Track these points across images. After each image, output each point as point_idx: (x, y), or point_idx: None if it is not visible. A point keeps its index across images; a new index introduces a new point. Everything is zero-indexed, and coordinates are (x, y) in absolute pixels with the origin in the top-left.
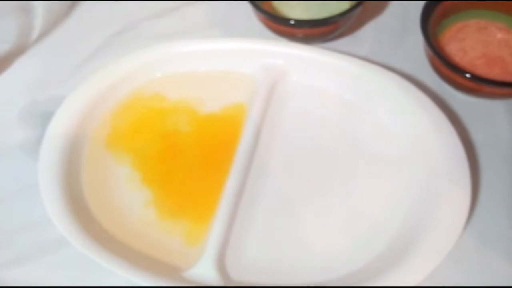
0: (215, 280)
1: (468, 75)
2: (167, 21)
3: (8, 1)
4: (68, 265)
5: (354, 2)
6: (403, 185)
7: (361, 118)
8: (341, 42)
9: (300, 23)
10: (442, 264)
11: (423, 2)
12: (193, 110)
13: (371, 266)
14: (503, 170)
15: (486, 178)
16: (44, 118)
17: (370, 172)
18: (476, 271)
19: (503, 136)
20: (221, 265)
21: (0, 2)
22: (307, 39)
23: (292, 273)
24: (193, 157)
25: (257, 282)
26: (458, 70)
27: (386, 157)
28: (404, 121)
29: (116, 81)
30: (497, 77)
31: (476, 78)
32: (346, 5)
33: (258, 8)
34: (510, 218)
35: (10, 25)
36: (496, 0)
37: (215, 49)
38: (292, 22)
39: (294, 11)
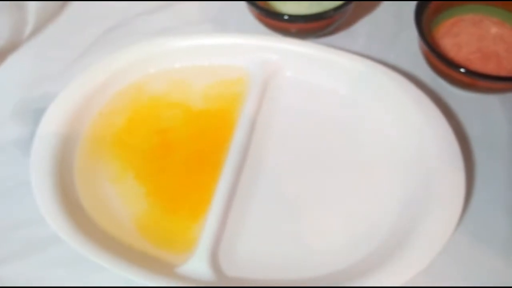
0: (208, 276)
1: (462, 70)
2: (160, 17)
3: None
4: (61, 262)
5: None
6: (397, 180)
7: (355, 113)
8: (336, 38)
9: (294, 18)
10: (436, 260)
11: None
12: (186, 106)
13: (365, 262)
14: (498, 165)
15: (481, 173)
16: (37, 114)
17: (364, 168)
18: (470, 267)
19: (498, 131)
20: (214, 261)
21: None
22: (301, 34)
23: (285, 269)
24: (187, 153)
25: (251, 278)
26: (453, 65)
27: (381, 152)
28: (398, 116)
29: (109, 77)
30: (492, 71)
31: (471, 73)
32: (338, 2)
33: (252, 4)
34: (505, 213)
35: (3, 21)
36: None
37: (209, 44)
38: (286, 17)
39: (288, 7)
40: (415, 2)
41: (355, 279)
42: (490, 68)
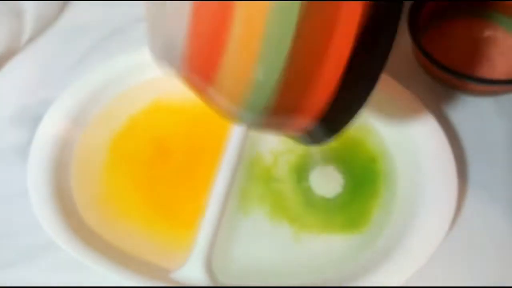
0: (203, 280)
1: (455, 73)
2: None
3: None
4: (58, 268)
5: None
6: (390, 183)
7: None
8: None
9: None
10: (429, 264)
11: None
12: (183, 112)
13: (360, 266)
14: (491, 169)
15: (474, 175)
16: (35, 121)
17: (358, 171)
18: (463, 270)
19: (491, 133)
20: (208, 266)
21: None
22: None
23: (280, 274)
24: (182, 158)
25: (245, 283)
26: (445, 68)
27: (373, 155)
28: (390, 120)
29: (106, 84)
30: (485, 74)
31: (463, 76)
32: None
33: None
34: (498, 215)
35: (0, 29)
36: None
37: None
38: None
39: None
40: (408, 5)
41: (351, 282)
42: (483, 70)
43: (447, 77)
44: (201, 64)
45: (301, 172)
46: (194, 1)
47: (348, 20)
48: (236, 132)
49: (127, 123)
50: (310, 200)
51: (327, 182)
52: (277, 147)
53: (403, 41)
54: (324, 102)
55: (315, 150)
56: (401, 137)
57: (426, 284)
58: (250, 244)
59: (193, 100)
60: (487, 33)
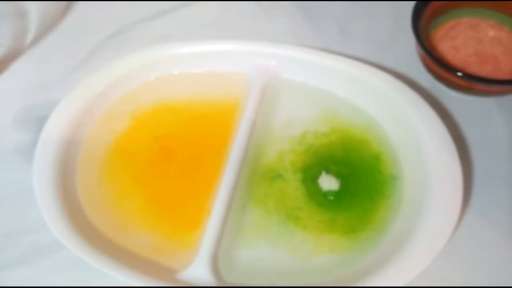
0: (209, 281)
1: (459, 74)
2: (161, 24)
3: (3, 0)
4: (64, 267)
5: None
6: (394, 184)
7: (353, 117)
8: (334, 42)
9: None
10: (435, 263)
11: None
12: (186, 112)
13: (365, 266)
14: (496, 168)
15: (479, 176)
16: (39, 121)
17: (363, 170)
18: (468, 270)
19: (496, 134)
20: (215, 265)
21: None
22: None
23: (285, 274)
24: (186, 158)
25: (251, 283)
26: (450, 68)
27: (378, 155)
28: (396, 120)
29: (110, 84)
30: (490, 74)
31: (468, 76)
32: None
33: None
34: (502, 216)
35: (4, 29)
36: None
37: (208, 51)
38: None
39: None
40: (412, 6)
41: (355, 282)
42: (487, 70)
43: (451, 77)
44: None
45: (306, 171)
46: None
47: None
48: (240, 131)
49: (131, 122)
50: (315, 200)
51: (331, 181)
52: (282, 146)
53: (407, 41)
54: None
55: (319, 149)
56: (405, 136)
57: (431, 284)
58: (256, 243)
59: (197, 99)
60: (491, 33)
